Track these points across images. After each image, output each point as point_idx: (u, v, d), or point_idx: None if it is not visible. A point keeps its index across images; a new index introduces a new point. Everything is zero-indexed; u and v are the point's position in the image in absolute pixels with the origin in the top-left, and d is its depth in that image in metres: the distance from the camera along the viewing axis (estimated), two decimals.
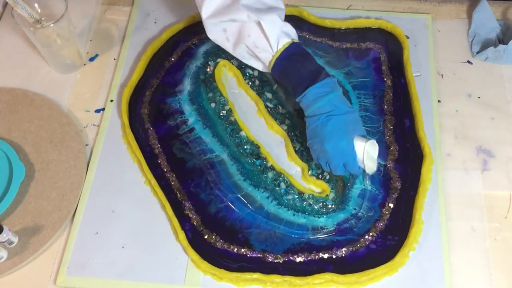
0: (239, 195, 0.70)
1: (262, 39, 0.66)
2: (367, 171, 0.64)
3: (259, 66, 0.71)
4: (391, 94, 0.79)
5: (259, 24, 0.65)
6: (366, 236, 0.67)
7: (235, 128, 0.76)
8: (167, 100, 0.77)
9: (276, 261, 0.66)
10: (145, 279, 0.65)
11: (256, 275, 0.63)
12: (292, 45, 0.66)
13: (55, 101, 0.79)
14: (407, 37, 0.84)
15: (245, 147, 0.74)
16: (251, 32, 0.67)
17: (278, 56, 0.66)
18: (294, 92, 0.66)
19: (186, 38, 0.84)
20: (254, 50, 0.68)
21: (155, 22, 0.88)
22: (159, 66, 0.81)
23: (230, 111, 0.77)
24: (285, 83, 0.68)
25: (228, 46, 0.71)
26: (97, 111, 0.79)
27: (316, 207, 0.69)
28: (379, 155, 0.73)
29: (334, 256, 0.66)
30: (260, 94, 0.79)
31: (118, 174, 0.72)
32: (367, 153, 0.62)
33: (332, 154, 0.62)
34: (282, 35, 0.66)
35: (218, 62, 0.81)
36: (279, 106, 0.78)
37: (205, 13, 0.69)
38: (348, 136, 0.62)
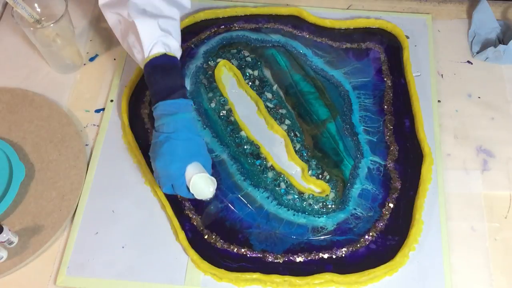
0: (239, 195, 0.70)
1: (138, 41, 0.66)
2: (196, 196, 0.62)
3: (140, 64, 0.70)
4: (391, 94, 0.79)
5: (134, 24, 0.65)
6: (366, 236, 0.67)
7: (235, 128, 0.76)
8: None
9: (276, 261, 0.66)
10: (145, 279, 0.65)
11: (256, 275, 0.63)
12: (163, 56, 0.66)
13: (55, 101, 0.79)
14: (407, 37, 0.84)
15: (245, 147, 0.74)
16: (133, 31, 0.67)
17: (147, 62, 0.66)
18: (151, 100, 0.67)
19: (186, 38, 0.84)
20: (132, 49, 0.68)
21: None
22: None
23: (230, 111, 0.77)
24: (149, 89, 0.68)
25: (118, 37, 0.71)
26: (97, 111, 0.79)
27: (316, 207, 0.69)
28: (379, 155, 0.73)
29: (334, 256, 0.66)
30: (260, 94, 0.79)
31: (118, 174, 0.72)
32: (193, 185, 0.61)
33: (160, 174, 0.63)
34: (159, 43, 0.66)
35: (218, 62, 0.81)
36: (279, 106, 0.78)
37: (100, 0, 0.69)
38: (180, 162, 0.62)
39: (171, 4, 0.70)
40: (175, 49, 0.68)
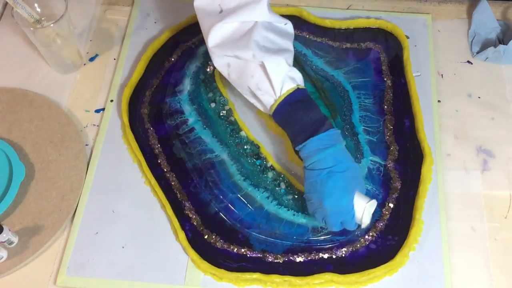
0: (239, 195, 0.70)
1: (266, 82, 0.62)
2: (362, 226, 0.62)
3: (260, 107, 0.67)
4: (391, 94, 0.79)
5: (263, 66, 0.62)
6: (366, 236, 0.67)
7: (235, 128, 0.76)
8: (167, 100, 0.77)
9: (276, 261, 0.66)
10: (145, 279, 0.65)
11: (256, 275, 0.63)
12: (297, 91, 0.63)
13: (55, 101, 0.79)
14: (407, 37, 0.84)
15: (245, 147, 0.74)
16: (254, 73, 0.63)
17: (280, 101, 0.62)
18: (294, 140, 0.62)
19: (186, 38, 0.84)
20: (256, 92, 0.64)
21: (155, 22, 0.88)
22: (159, 66, 0.81)
23: (230, 111, 0.77)
24: (285, 129, 0.64)
25: (230, 81, 0.68)
26: (97, 111, 0.79)
27: None
28: (379, 155, 0.73)
29: (334, 256, 0.66)
30: None
31: (118, 174, 0.72)
32: (367, 213, 0.60)
33: (330, 212, 0.59)
34: (287, 79, 0.62)
35: None
36: None
37: (211, 42, 0.65)
38: (349, 195, 0.59)
39: (283, 36, 0.66)
40: (301, 80, 0.64)
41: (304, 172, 0.62)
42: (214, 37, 0.64)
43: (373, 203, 0.60)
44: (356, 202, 0.60)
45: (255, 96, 0.65)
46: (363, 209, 0.60)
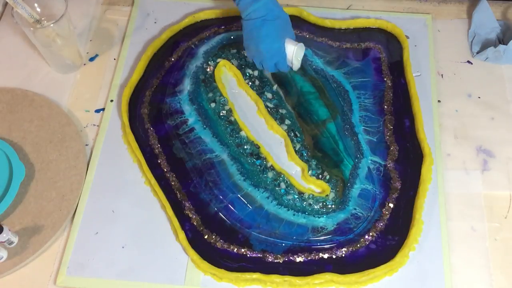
0: (239, 195, 0.70)
1: None
2: (294, 68, 0.72)
3: None
4: (391, 94, 0.79)
5: None
6: (366, 236, 0.67)
7: (235, 128, 0.76)
8: (167, 100, 0.77)
9: (276, 261, 0.66)
10: (145, 279, 0.65)
11: (256, 275, 0.63)
12: None
13: (55, 101, 0.79)
14: (407, 37, 0.84)
15: (245, 147, 0.74)
16: None
17: None
18: None
19: (186, 38, 0.84)
20: None
21: (155, 22, 0.88)
22: (159, 66, 0.81)
23: (230, 111, 0.77)
24: None
25: None
26: (97, 111, 0.79)
27: (316, 207, 0.69)
28: (379, 155, 0.73)
29: (334, 256, 0.66)
30: (260, 94, 0.79)
31: (118, 174, 0.72)
32: (295, 55, 0.70)
33: (265, 55, 0.69)
34: None
35: (218, 62, 0.81)
36: (279, 106, 0.78)
37: None
38: (280, 39, 0.69)
39: None
40: None
41: (242, 23, 0.71)
42: None
43: (301, 46, 0.71)
44: (287, 46, 0.70)
45: None
46: (293, 51, 0.70)
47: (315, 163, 0.72)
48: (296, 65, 0.72)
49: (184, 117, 0.76)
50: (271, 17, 0.69)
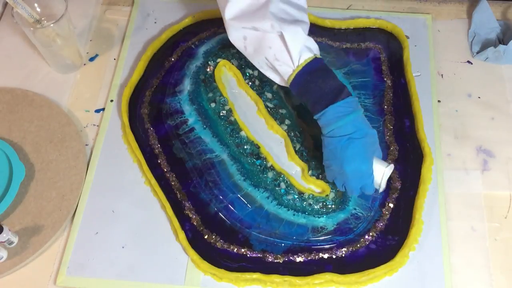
0: (239, 195, 0.70)
1: (284, 52, 0.63)
2: (380, 191, 0.64)
3: (277, 79, 0.68)
4: (391, 94, 0.79)
5: (281, 36, 0.62)
6: (366, 236, 0.67)
7: (235, 128, 0.76)
8: (167, 100, 0.77)
9: (276, 261, 0.66)
10: (145, 279, 0.65)
11: (256, 275, 0.63)
12: (315, 60, 0.63)
13: (55, 101, 0.79)
14: (407, 37, 0.84)
15: (245, 147, 0.74)
16: (272, 44, 0.63)
17: (298, 71, 0.63)
18: (313, 109, 0.63)
19: (186, 38, 0.84)
20: (274, 62, 0.64)
21: (155, 22, 0.88)
22: (159, 66, 0.81)
23: (230, 111, 0.77)
24: (303, 99, 0.65)
25: (246, 54, 0.68)
26: (97, 111, 0.79)
27: (316, 207, 0.69)
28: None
29: (334, 256, 0.66)
30: (260, 94, 0.79)
31: (118, 174, 0.72)
32: (385, 177, 0.62)
33: (351, 177, 0.62)
34: (304, 49, 0.63)
35: (218, 62, 0.81)
36: (279, 106, 0.78)
37: (228, 14, 0.65)
38: (369, 160, 0.62)
39: (298, 9, 0.66)
40: (317, 50, 0.65)
41: (323, 139, 0.64)
42: (231, 9, 0.65)
43: (391, 167, 0.63)
44: (375, 166, 0.62)
45: (272, 68, 0.66)
46: (383, 173, 0.62)
47: (315, 163, 0.72)
48: (383, 187, 0.64)
49: (184, 117, 0.76)
50: (359, 135, 0.61)
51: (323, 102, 0.62)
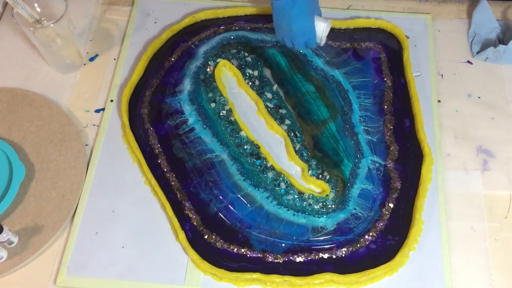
0: (239, 195, 0.70)
1: None
2: (321, 44, 0.74)
3: None
4: (391, 94, 0.79)
5: None
6: (366, 236, 0.67)
7: (235, 128, 0.76)
8: (167, 100, 0.77)
9: (276, 261, 0.66)
10: (145, 279, 0.65)
11: (256, 275, 0.63)
12: None
13: (55, 101, 0.79)
14: (407, 37, 0.84)
15: (245, 147, 0.74)
16: None
17: None
18: None
19: (186, 38, 0.84)
20: None
21: (155, 22, 0.88)
22: (159, 66, 0.81)
23: (230, 111, 0.77)
24: None
25: None
26: (97, 111, 0.79)
27: (316, 207, 0.69)
28: (379, 155, 0.73)
29: (334, 256, 0.66)
30: (260, 94, 0.79)
31: (118, 174, 0.72)
32: (325, 31, 0.72)
33: (297, 33, 0.71)
34: None
35: (218, 62, 0.81)
36: (279, 106, 0.78)
37: None
38: (311, 17, 0.71)
39: None
40: None
41: (272, 3, 0.71)
42: None
43: (330, 23, 0.73)
44: (317, 23, 0.72)
45: None
46: (323, 29, 0.72)
47: (315, 163, 0.72)
48: (324, 41, 0.74)
49: (184, 117, 0.76)
50: None
51: None
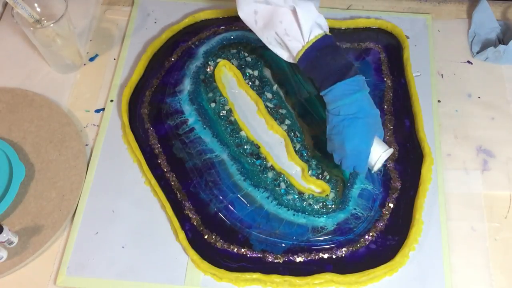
0: (239, 195, 0.70)
1: (295, 27, 0.63)
2: (372, 171, 0.65)
3: (284, 55, 0.68)
4: (391, 94, 0.79)
5: (293, 11, 0.63)
6: (366, 236, 0.67)
7: (235, 128, 0.76)
8: (167, 100, 0.77)
9: (276, 261, 0.66)
10: (145, 279, 0.65)
11: (256, 275, 0.63)
12: (325, 37, 0.63)
13: (55, 101, 0.79)
14: (407, 37, 0.84)
15: (245, 147, 0.74)
16: (283, 18, 0.64)
17: (308, 47, 0.63)
18: (320, 84, 0.64)
19: (186, 38, 0.84)
20: (284, 37, 0.65)
21: (155, 22, 0.88)
22: (159, 66, 0.81)
23: (230, 111, 0.77)
24: (311, 75, 0.65)
25: (255, 29, 0.68)
26: (97, 111, 0.79)
27: (316, 207, 0.69)
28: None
29: (334, 256, 0.66)
30: (260, 94, 0.79)
31: (118, 174, 0.72)
32: (381, 159, 0.63)
33: (349, 154, 0.63)
34: (315, 25, 0.63)
35: (218, 62, 0.81)
36: (279, 106, 0.78)
37: None
38: (369, 140, 0.63)
39: None
40: (327, 27, 0.65)
41: (327, 115, 0.64)
42: None
43: (389, 152, 0.63)
44: (374, 147, 0.63)
45: (281, 43, 0.67)
46: (379, 156, 0.63)
47: (315, 163, 0.72)
48: (376, 169, 0.65)
49: (184, 117, 0.76)
50: (362, 115, 0.62)
51: (331, 78, 0.62)
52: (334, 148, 0.65)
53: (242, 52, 0.82)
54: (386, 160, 0.71)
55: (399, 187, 0.71)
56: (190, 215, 0.69)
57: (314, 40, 0.63)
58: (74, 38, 0.80)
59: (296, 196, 0.70)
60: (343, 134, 0.62)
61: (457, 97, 0.80)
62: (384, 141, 0.74)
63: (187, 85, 0.79)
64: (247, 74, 0.80)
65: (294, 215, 0.69)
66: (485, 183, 0.72)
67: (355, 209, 0.69)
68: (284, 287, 0.64)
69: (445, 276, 0.65)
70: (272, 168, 0.72)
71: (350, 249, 0.66)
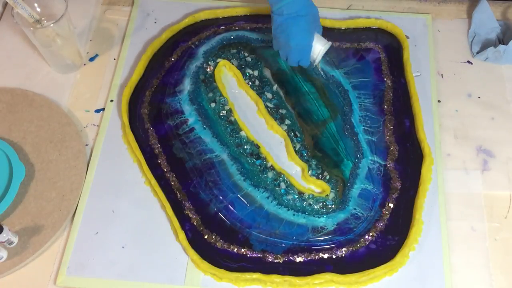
0: (239, 195, 0.70)
1: None
2: (314, 64, 0.72)
3: None
4: (391, 94, 0.79)
5: None
6: (366, 236, 0.67)
7: (235, 128, 0.76)
8: (167, 100, 0.77)
9: (276, 261, 0.66)
10: (145, 279, 0.65)
11: (256, 275, 0.63)
12: None
13: (55, 101, 0.79)
14: (407, 37, 0.84)
15: (245, 147, 0.74)
16: None
17: None
18: None
19: (186, 38, 0.84)
20: None
21: (155, 22, 0.88)
22: (159, 66, 0.81)
23: (230, 111, 0.77)
24: None
25: None
26: (97, 111, 0.79)
27: (316, 207, 0.69)
28: (379, 155, 0.73)
29: (334, 256, 0.66)
30: (260, 94, 0.79)
31: (118, 174, 0.72)
32: (321, 52, 0.70)
33: (294, 50, 0.69)
34: None
35: (218, 62, 0.81)
36: (279, 106, 0.78)
37: None
38: (311, 35, 0.69)
39: None
40: None
41: (272, 16, 0.70)
42: None
43: (328, 45, 0.70)
44: (315, 43, 0.70)
45: None
46: (319, 51, 0.70)
47: (315, 163, 0.72)
48: (317, 62, 0.72)
49: (184, 117, 0.76)
50: (303, 13, 0.68)
51: None
52: (280, 46, 0.71)
53: (242, 52, 0.82)
54: (381, 159, 0.72)
55: (399, 187, 0.71)
56: (190, 215, 0.69)
57: None
58: (74, 38, 0.80)
59: (296, 196, 0.70)
60: (287, 32, 0.68)
61: (457, 97, 0.80)
62: (385, 141, 0.74)
63: (187, 85, 0.79)
64: (247, 74, 0.80)
65: (294, 215, 0.69)
66: (485, 183, 0.72)
67: (355, 209, 0.69)
68: (284, 287, 0.64)
69: (445, 276, 0.65)
70: (272, 168, 0.73)
71: (350, 249, 0.66)
